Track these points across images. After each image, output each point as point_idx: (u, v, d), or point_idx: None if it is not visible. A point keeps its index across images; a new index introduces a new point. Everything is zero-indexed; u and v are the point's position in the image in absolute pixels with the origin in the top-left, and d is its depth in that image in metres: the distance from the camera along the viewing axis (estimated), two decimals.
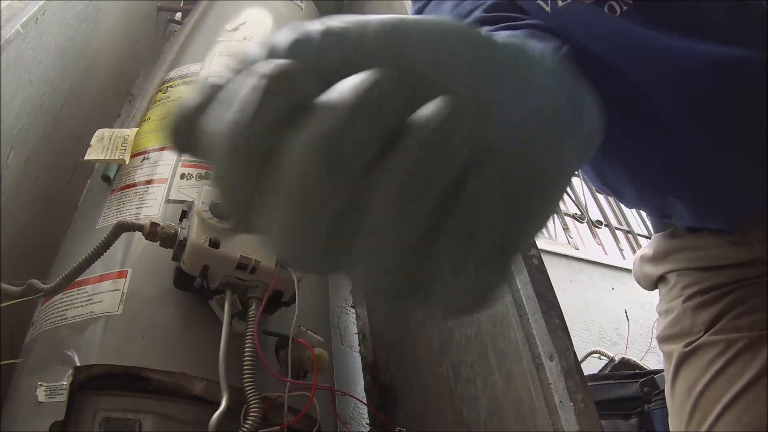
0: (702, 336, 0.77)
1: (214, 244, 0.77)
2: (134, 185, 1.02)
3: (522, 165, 0.23)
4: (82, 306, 0.82)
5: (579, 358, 0.73)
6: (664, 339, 0.85)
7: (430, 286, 0.21)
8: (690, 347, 0.78)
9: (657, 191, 0.74)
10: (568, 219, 2.76)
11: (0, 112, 0.97)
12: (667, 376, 0.82)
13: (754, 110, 0.58)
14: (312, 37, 0.22)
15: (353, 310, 1.60)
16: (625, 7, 0.63)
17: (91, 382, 0.74)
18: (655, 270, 0.88)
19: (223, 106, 0.20)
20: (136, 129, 1.14)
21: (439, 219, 0.19)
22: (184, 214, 0.84)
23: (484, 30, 0.40)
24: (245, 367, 0.72)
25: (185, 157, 1.05)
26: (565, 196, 2.97)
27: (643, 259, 0.91)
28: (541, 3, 0.68)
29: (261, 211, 0.20)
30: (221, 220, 0.80)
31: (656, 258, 0.87)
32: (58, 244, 1.08)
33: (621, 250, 2.80)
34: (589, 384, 0.70)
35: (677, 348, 0.80)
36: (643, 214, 3.06)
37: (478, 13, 0.62)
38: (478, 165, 0.20)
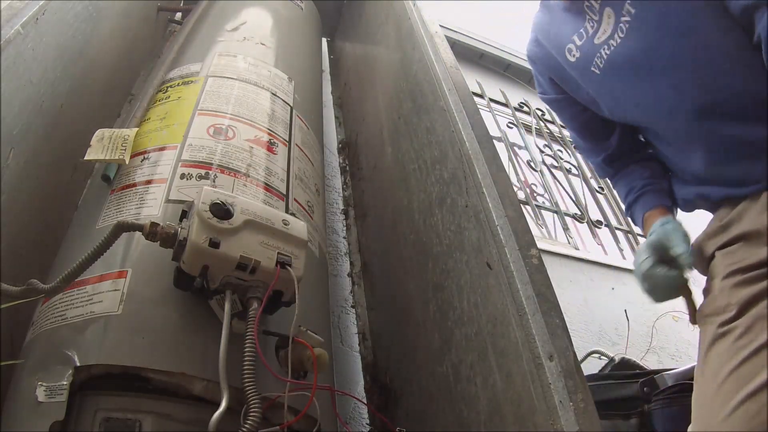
0: (735, 317, 0.79)
1: (214, 244, 0.77)
2: (134, 185, 1.02)
3: None
4: (82, 306, 0.82)
5: (579, 358, 0.73)
6: (701, 317, 0.87)
7: None
8: (723, 328, 0.80)
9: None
10: (568, 219, 2.76)
11: (0, 112, 0.97)
12: (700, 353, 0.84)
13: None
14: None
15: (353, 310, 1.60)
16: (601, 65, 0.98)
17: (91, 382, 0.74)
18: (707, 250, 0.91)
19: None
20: (136, 129, 1.14)
21: None
22: (184, 214, 0.84)
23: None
24: (245, 367, 0.72)
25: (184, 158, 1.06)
26: (566, 196, 2.97)
27: (697, 242, 0.95)
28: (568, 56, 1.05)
29: None
30: (221, 220, 0.80)
31: (708, 236, 0.91)
32: (58, 244, 1.08)
33: (621, 250, 2.80)
34: (589, 384, 0.70)
35: (712, 328, 0.82)
36: None
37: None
38: None
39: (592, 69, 0.99)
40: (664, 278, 0.88)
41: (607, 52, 0.95)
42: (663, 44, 0.90)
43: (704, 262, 0.92)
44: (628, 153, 1.11)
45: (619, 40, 0.93)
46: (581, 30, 1.01)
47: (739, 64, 0.85)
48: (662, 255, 0.91)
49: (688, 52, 0.88)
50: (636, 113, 1.00)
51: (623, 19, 0.92)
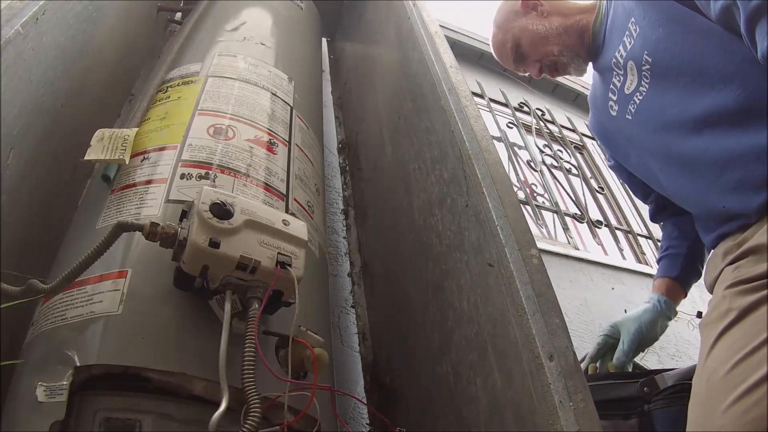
0: (735, 321, 0.81)
1: (214, 244, 0.77)
2: (134, 185, 1.02)
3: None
4: (82, 306, 0.82)
5: (579, 358, 0.73)
6: (704, 325, 0.90)
7: None
8: (724, 332, 0.82)
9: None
10: (568, 219, 2.76)
11: (0, 112, 0.97)
12: (701, 357, 0.86)
13: None
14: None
15: (353, 310, 1.60)
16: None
17: (91, 382, 0.74)
18: (717, 268, 0.95)
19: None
20: (136, 129, 1.14)
21: None
22: (184, 214, 0.84)
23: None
24: (245, 367, 0.72)
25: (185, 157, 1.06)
26: (566, 196, 2.97)
27: (709, 263, 1.00)
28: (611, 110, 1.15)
29: None
30: (221, 220, 0.80)
31: (723, 254, 0.94)
32: (58, 244, 1.08)
33: (621, 250, 2.80)
34: (589, 384, 0.70)
35: (713, 333, 0.84)
36: (644, 214, 3.07)
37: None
38: None
39: (627, 116, 1.09)
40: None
41: (640, 98, 1.04)
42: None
43: (713, 279, 0.94)
44: (664, 208, 1.29)
45: (647, 86, 1.02)
46: (611, 86, 1.12)
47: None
48: (611, 343, 1.23)
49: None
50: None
51: (644, 68, 1.00)
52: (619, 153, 1.23)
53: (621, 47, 1.06)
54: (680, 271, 1.25)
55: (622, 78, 1.08)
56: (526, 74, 1.31)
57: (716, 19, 0.87)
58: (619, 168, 1.31)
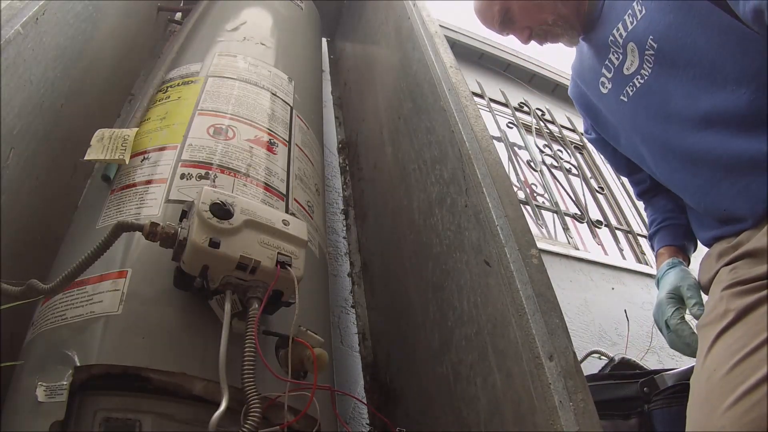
0: (734, 322, 0.81)
1: (214, 244, 0.77)
2: (134, 185, 1.02)
3: None
4: (82, 306, 0.82)
5: (579, 358, 0.73)
6: (702, 326, 0.89)
7: None
8: (723, 333, 0.82)
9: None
10: (568, 219, 2.76)
11: (0, 112, 0.97)
12: (699, 358, 0.86)
13: None
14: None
15: (353, 310, 1.60)
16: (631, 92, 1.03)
17: (91, 382, 0.74)
18: (713, 268, 0.94)
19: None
20: (136, 129, 1.14)
21: None
22: (184, 214, 0.84)
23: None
24: (245, 367, 0.72)
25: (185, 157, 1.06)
26: (566, 196, 2.98)
27: (703, 263, 0.99)
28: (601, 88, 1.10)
29: None
30: (221, 220, 0.80)
31: (718, 256, 0.94)
32: (58, 244, 1.08)
33: (621, 250, 2.80)
34: (589, 384, 0.70)
35: (711, 333, 0.84)
36: (644, 214, 3.07)
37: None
38: None
39: (622, 98, 1.05)
40: (692, 337, 0.96)
41: (640, 82, 1.00)
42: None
43: (708, 280, 0.94)
44: (657, 186, 1.20)
45: (649, 71, 0.98)
46: (607, 62, 1.07)
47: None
48: (680, 306, 1.02)
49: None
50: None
51: (647, 52, 0.96)
52: (607, 131, 1.19)
53: (621, 26, 1.01)
54: (684, 240, 1.17)
55: (621, 57, 1.03)
56: (507, 36, 1.22)
57: (748, 17, 0.82)
58: (601, 142, 1.25)
